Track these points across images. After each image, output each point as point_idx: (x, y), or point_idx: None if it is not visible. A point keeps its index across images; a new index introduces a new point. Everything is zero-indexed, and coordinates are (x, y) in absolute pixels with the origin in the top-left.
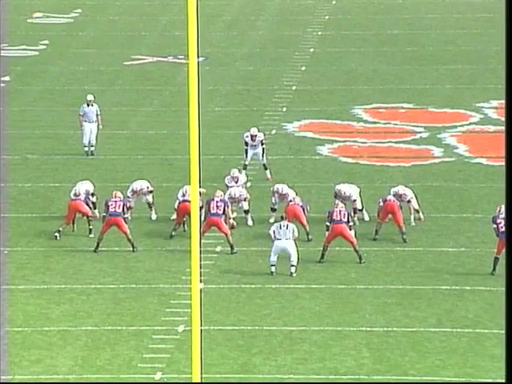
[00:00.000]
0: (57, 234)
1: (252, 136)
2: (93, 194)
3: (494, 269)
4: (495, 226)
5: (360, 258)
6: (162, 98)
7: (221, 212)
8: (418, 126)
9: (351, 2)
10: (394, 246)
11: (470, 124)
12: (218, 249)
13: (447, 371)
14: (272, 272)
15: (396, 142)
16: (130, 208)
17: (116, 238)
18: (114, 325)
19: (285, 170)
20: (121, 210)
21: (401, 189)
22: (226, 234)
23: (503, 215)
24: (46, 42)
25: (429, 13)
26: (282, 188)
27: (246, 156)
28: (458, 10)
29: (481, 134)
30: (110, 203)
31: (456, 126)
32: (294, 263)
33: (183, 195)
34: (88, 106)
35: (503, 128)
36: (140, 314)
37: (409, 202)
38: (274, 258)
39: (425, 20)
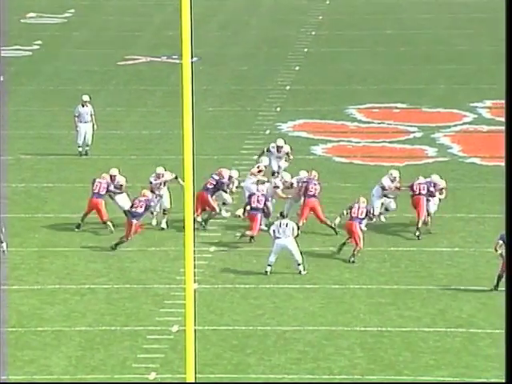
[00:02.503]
0: (79, 228)
1: (278, 147)
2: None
3: (497, 285)
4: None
5: (352, 258)
6: (155, 98)
7: (261, 206)
8: (411, 126)
9: (345, 2)
10: (387, 246)
11: (464, 124)
12: (212, 249)
13: (441, 371)
14: (266, 272)
15: (390, 142)
16: (149, 207)
17: (111, 238)
18: (107, 325)
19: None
20: (142, 210)
21: (435, 179)
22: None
23: None
24: (40, 42)
25: (422, 13)
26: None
27: (270, 163)
28: (452, 9)
29: (474, 133)
30: (134, 202)
31: (450, 126)
32: (300, 261)
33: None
34: (83, 106)
35: (497, 128)
36: (134, 314)
37: (433, 196)
38: (272, 259)
39: (418, 20)
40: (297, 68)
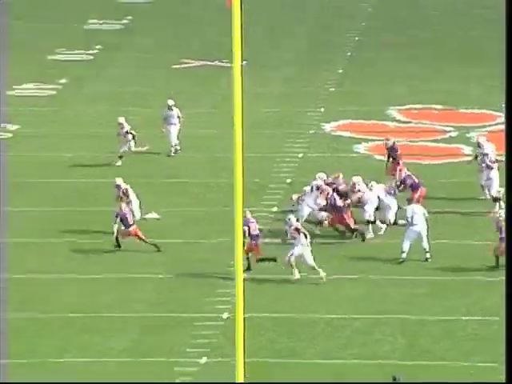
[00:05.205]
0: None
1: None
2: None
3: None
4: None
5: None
6: (211, 100)
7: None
8: (448, 126)
9: (386, 9)
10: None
11: (497, 124)
12: (265, 241)
13: (477, 357)
14: (403, 259)
15: (428, 141)
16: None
17: (163, 230)
18: (162, 312)
19: (323, 168)
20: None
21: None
22: None
23: None
24: (100, 46)
25: (456, 14)
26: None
27: None
28: (483, 11)
29: None
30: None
31: (484, 126)
32: (427, 249)
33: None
34: (169, 109)
35: None
36: (187, 301)
37: None
38: (407, 246)
39: (450, 23)
40: (340, 71)
